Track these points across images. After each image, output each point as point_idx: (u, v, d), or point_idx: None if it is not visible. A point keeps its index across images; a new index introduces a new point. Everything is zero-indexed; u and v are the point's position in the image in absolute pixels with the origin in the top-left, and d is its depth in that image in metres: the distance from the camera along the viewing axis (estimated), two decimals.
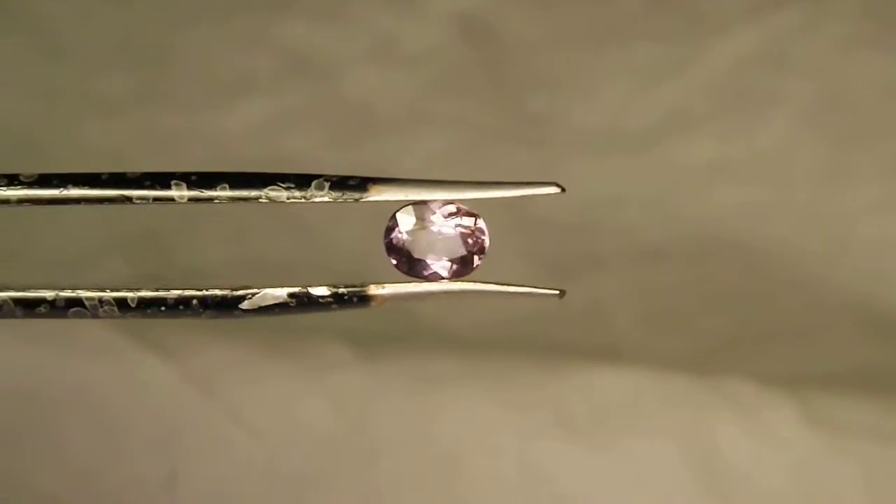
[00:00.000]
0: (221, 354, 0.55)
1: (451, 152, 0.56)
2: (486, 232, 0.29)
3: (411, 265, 0.29)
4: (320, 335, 0.56)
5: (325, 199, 0.27)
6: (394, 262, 0.28)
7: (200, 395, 0.55)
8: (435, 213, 0.29)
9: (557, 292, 0.28)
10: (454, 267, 0.29)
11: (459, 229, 0.29)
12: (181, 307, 0.26)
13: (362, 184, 0.28)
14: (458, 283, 0.28)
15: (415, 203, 0.28)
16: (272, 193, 0.27)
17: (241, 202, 0.27)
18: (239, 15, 0.56)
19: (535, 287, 0.28)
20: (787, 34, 0.55)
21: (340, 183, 0.28)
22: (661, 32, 0.56)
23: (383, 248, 0.28)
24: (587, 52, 0.56)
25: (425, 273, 0.28)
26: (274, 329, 0.56)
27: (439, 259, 0.28)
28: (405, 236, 0.28)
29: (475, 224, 0.29)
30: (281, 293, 0.27)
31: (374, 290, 0.27)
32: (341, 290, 0.27)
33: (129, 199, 0.27)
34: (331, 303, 0.27)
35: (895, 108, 0.56)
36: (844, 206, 0.56)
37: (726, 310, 0.56)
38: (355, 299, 0.27)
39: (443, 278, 0.28)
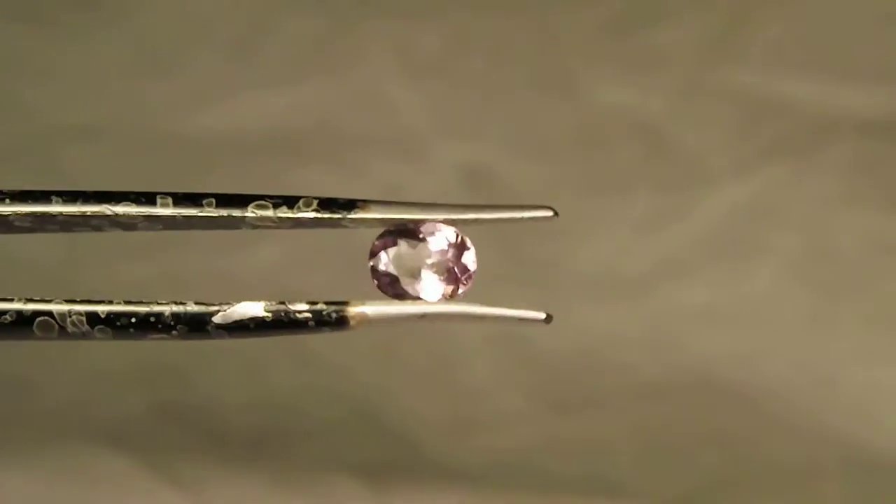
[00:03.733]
0: (234, 487, 0.54)
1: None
2: (474, 256, 0.26)
3: (396, 289, 0.25)
4: (329, 467, 0.54)
5: (312, 215, 0.24)
6: (377, 285, 0.25)
7: None
8: (422, 235, 0.26)
9: (544, 316, 0.25)
10: (441, 291, 0.26)
11: (447, 253, 0.26)
12: (152, 319, 0.24)
13: (350, 203, 0.25)
14: (443, 304, 0.25)
15: (401, 224, 0.26)
16: (259, 211, 0.25)
17: (228, 220, 0.24)
18: (254, 162, 0.56)
19: (523, 310, 0.25)
20: (776, 188, 0.55)
21: (328, 202, 0.25)
22: (656, 183, 0.55)
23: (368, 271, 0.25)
24: (587, 200, 0.55)
25: (409, 297, 0.25)
26: (284, 461, 0.55)
27: (425, 282, 0.25)
28: (391, 259, 0.25)
29: (463, 248, 0.26)
30: (257, 307, 0.24)
31: (354, 307, 0.24)
32: (320, 307, 0.24)
33: (114, 214, 0.24)
34: (308, 319, 0.24)
35: (878, 262, 0.55)
36: (828, 352, 0.54)
37: (719, 449, 0.54)
38: (334, 316, 0.24)
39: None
